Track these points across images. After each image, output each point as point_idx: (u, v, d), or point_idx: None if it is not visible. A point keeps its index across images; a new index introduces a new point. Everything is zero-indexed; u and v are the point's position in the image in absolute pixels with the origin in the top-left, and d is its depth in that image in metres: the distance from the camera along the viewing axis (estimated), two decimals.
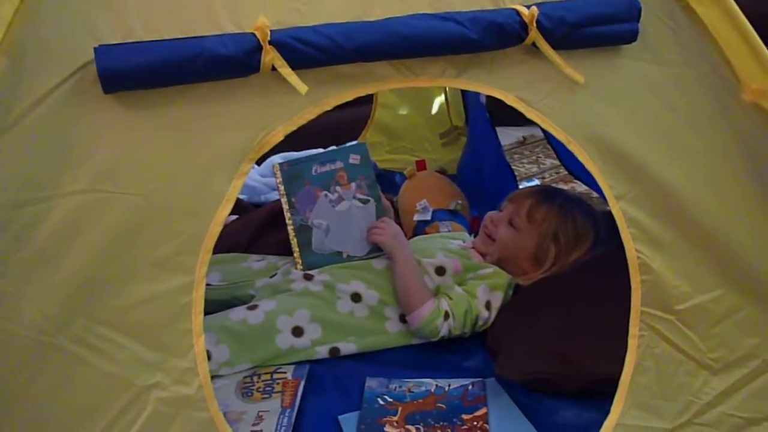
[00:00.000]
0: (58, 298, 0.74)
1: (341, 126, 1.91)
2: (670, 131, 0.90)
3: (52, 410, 0.76)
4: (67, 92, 0.72)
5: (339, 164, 1.31)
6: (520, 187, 1.62)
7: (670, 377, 0.93)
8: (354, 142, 1.63)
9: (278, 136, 0.80)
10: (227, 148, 0.79)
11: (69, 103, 0.72)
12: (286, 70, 0.76)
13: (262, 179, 1.78)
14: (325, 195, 1.29)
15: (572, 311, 1.12)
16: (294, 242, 1.27)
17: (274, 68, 0.76)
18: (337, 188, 1.30)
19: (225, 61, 0.75)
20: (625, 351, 0.93)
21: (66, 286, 0.74)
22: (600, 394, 0.97)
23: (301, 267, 1.27)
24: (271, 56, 0.75)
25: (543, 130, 1.60)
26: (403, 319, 1.23)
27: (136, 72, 0.72)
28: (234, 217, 1.53)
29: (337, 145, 1.60)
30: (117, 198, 0.74)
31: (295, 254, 1.28)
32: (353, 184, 1.30)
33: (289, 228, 1.28)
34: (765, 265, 0.92)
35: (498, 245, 1.29)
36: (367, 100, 2.02)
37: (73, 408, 0.76)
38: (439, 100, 1.97)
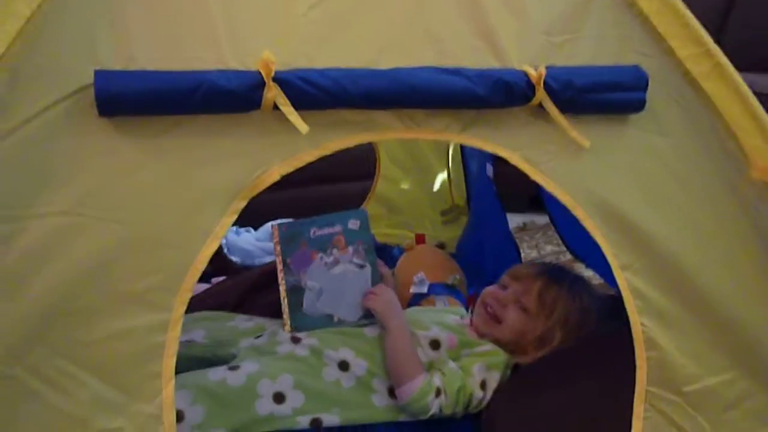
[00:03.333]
0: (19, 325, 0.69)
1: (342, 198, 1.90)
2: (676, 203, 0.88)
3: None
4: (63, 112, 0.70)
5: (338, 228, 1.28)
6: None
7: None
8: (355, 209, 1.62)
9: (274, 176, 0.78)
10: (220, 183, 0.76)
11: (63, 123, 0.70)
12: (287, 109, 0.75)
13: (257, 243, 1.74)
14: (321, 257, 1.26)
15: (573, 393, 1.05)
16: (285, 302, 1.23)
17: (276, 107, 0.75)
18: (334, 251, 1.26)
19: (226, 95, 0.73)
20: None
21: (29, 313, 0.69)
22: None
23: (290, 327, 1.22)
24: (273, 93, 0.74)
25: (548, 210, 1.60)
26: (392, 392, 1.15)
27: (134, 97, 0.71)
28: (221, 278, 1.49)
29: None
30: (96, 224, 0.71)
31: (285, 314, 1.23)
32: (350, 248, 1.27)
33: (282, 288, 1.23)
34: None
35: (505, 327, 1.23)
36: (369, 175, 2.02)
37: None
38: (442, 176, 1.97)
